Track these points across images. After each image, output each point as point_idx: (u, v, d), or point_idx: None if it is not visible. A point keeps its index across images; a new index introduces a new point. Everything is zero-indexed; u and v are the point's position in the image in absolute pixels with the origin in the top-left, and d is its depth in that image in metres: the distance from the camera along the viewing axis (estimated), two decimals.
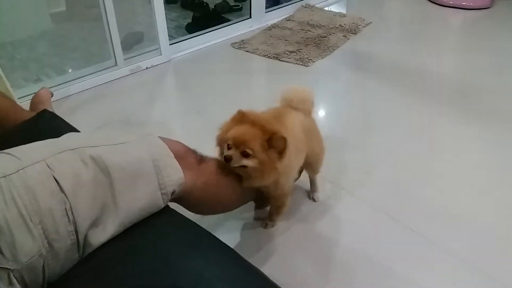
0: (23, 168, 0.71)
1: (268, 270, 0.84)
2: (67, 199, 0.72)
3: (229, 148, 1.03)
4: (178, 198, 0.93)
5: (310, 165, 1.34)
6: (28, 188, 0.70)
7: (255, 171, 1.03)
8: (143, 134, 0.91)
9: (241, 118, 1.06)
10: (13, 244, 0.66)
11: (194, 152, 1.01)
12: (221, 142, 1.07)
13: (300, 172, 1.36)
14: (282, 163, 1.04)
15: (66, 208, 0.72)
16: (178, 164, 0.89)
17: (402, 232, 1.31)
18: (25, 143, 0.79)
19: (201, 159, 1.01)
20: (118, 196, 0.78)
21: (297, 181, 1.39)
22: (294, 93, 1.26)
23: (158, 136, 0.93)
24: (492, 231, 1.32)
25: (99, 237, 0.77)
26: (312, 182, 1.43)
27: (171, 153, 0.89)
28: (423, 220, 1.35)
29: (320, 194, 1.43)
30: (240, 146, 1.01)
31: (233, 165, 1.02)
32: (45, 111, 1.20)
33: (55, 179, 0.72)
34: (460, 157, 1.65)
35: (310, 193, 1.44)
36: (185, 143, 1.01)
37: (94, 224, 0.76)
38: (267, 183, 1.09)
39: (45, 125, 1.09)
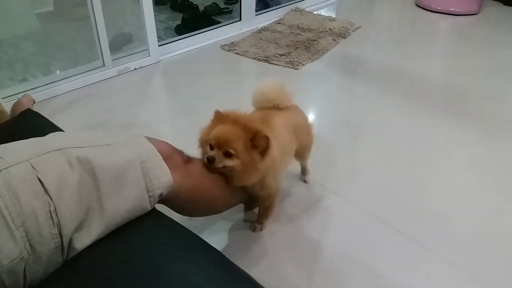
0: (6, 168, 0.69)
1: (257, 273, 0.82)
2: (52, 200, 0.70)
3: (211, 149, 1.01)
4: (165, 199, 0.91)
5: (300, 155, 1.36)
6: (10, 188, 0.67)
7: (238, 172, 1.02)
8: (131, 135, 0.89)
9: (219, 118, 1.05)
10: None
11: (180, 152, 0.99)
12: (203, 143, 1.05)
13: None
14: (264, 164, 1.02)
15: (50, 210, 0.69)
16: (166, 166, 0.87)
17: (392, 234, 1.31)
18: (7, 143, 0.77)
19: (187, 160, 0.99)
20: (104, 199, 0.76)
21: (283, 183, 1.38)
22: (260, 94, 1.23)
23: (145, 137, 0.91)
24: (483, 234, 1.32)
25: (83, 240, 0.74)
26: (303, 167, 1.48)
27: (160, 155, 0.87)
28: (413, 223, 1.35)
29: (310, 177, 1.49)
30: (223, 146, 1.00)
31: (216, 166, 1.00)
32: (28, 110, 1.17)
33: (39, 180, 0.70)
34: (450, 159, 1.66)
35: (301, 176, 1.50)
36: (173, 144, 0.99)
37: (79, 226, 0.74)
38: (251, 183, 1.07)
39: (28, 124, 1.06)
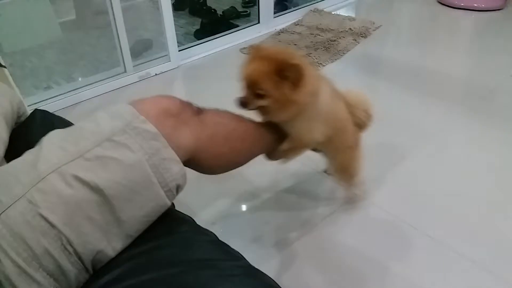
0: (3, 211, 0.64)
1: (285, 282, 0.81)
2: (61, 232, 0.65)
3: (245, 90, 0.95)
4: (185, 161, 0.82)
5: (329, 159, 1.28)
6: (15, 234, 0.63)
7: (273, 109, 0.95)
8: (127, 115, 0.77)
9: (253, 53, 0.96)
10: None
11: (189, 104, 0.88)
12: (240, 83, 0.97)
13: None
14: (301, 95, 0.93)
15: (63, 243, 0.65)
16: (174, 153, 0.77)
17: (420, 238, 1.27)
18: (17, 152, 0.74)
19: (199, 110, 0.89)
20: (119, 211, 0.71)
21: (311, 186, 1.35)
22: (359, 99, 1.18)
23: (138, 100, 0.80)
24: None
25: (107, 254, 0.71)
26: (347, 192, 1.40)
27: (164, 140, 0.76)
28: (441, 226, 1.31)
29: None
30: (252, 87, 0.93)
31: (250, 108, 0.95)
32: (36, 111, 1.10)
33: (42, 216, 0.65)
34: (477, 160, 1.61)
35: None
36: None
37: (99, 247, 0.70)
38: (289, 117, 0.99)
39: (37, 128, 1.03)
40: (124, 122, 0.75)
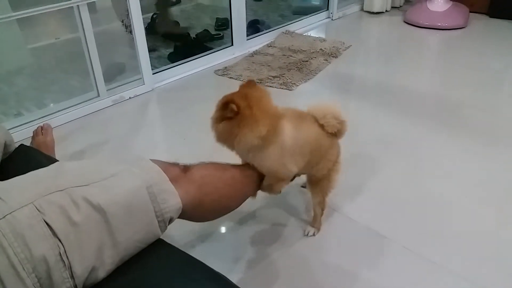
0: (10, 213, 0.67)
1: None
2: (61, 242, 0.68)
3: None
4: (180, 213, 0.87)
5: (311, 184, 1.28)
6: (18, 234, 0.65)
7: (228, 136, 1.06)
8: (134, 159, 0.87)
9: (246, 87, 1.09)
10: None
11: (175, 164, 0.96)
12: None
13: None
14: (230, 132, 1.04)
15: (60, 253, 0.67)
16: (174, 188, 0.85)
17: (397, 250, 1.29)
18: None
19: (185, 168, 0.96)
20: (116, 232, 0.74)
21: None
22: (328, 108, 1.19)
23: (150, 159, 0.89)
24: (487, 244, 1.31)
25: (98, 275, 0.73)
26: (314, 213, 1.34)
27: (166, 177, 0.85)
28: (417, 237, 1.33)
29: (314, 231, 1.35)
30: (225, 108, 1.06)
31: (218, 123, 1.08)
32: (21, 146, 1.16)
33: (46, 222, 0.68)
34: (446, 172, 1.66)
35: (305, 228, 1.37)
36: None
37: (93, 265, 0.71)
38: (237, 144, 1.06)
39: (23, 161, 1.05)
40: (129, 163, 0.85)
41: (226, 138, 1.07)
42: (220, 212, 1.08)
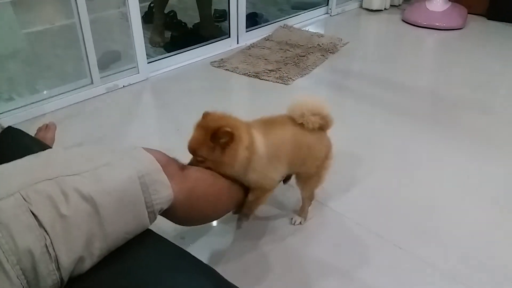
0: None
1: None
2: (47, 233, 0.66)
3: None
4: (164, 211, 0.87)
5: (299, 182, 1.28)
6: (2, 224, 0.63)
7: (215, 169, 1.06)
8: (127, 148, 0.86)
9: (200, 122, 1.08)
10: None
11: (175, 160, 0.97)
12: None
13: (287, 179, 1.34)
14: (229, 157, 1.04)
15: (46, 244, 0.65)
16: (167, 179, 0.84)
17: (388, 248, 1.29)
18: None
19: (183, 167, 0.98)
20: (106, 223, 0.72)
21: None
22: (294, 106, 1.18)
23: (143, 148, 0.88)
24: (478, 245, 1.31)
25: (84, 266, 0.71)
26: (302, 203, 1.35)
27: (159, 166, 0.84)
28: (408, 235, 1.33)
29: (301, 220, 1.36)
30: (195, 154, 1.06)
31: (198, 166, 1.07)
32: (9, 128, 1.13)
33: (32, 213, 0.66)
34: (440, 171, 1.66)
35: (293, 217, 1.37)
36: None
37: (80, 257, 0.70)
38: (228, 174, 1.08)
39: (11, 143, 1.02)
40: (122, 152, 0.84)
41: (232, 162, 1.06)
42: (203, 218, 1.10)
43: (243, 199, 1.16)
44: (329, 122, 1.20)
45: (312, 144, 1.20)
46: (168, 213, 0.89)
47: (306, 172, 1.24)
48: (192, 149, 1.06)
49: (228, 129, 1.02)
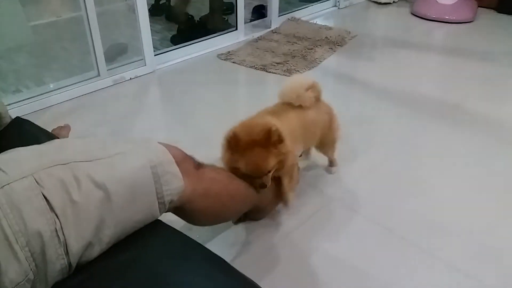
0: (8, 184, 0.64)
1: (266, 284, 0.79)
2: (57, 218, 0.66)
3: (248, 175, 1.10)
4: (176, 208, 0.86)
5: (322, 149, 1.49)
6: (14, 206, 0.63)
7: (281, 167, 1.13)
8: (141, 140, 0.85)
9: (235, 145, 1.08)
10: None
11: (191, 158, 0.95)
12: (232, 169, 1.10)
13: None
14: (286, 146, 1.10)
15: (56, 229, 0.65)
16: (179, 171, 0.83)
17: (396, 241, 1.28)
18: None
19: (199, 165, 0.96)
20: (117, 211, 0.72)
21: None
22: (288, 91, 1.28)
23: (160, 143, 0.87)
24: (486, 239, 1.29)
25: (93, 253, 0.71)
26: (329, 160, 1.56)
27: (172, 158, 0.83)
28: (416, 229, 1.32)
29: (335, 168, 1.56)
30: (263, 175, 1.09)
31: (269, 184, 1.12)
32: (17, 118, 1.13)
33: (44, 196, 0.65)
34: (445, 164, 1.64)
35: (327, 168, 1.57)
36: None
37: (89, 243, 0.69)
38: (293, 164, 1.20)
39: (20, 133, 1.02)
40: (136, 144, 0.84)
41: (289, 150, 1.12)
42: (215, 219, 1.09)
43: (256, 202, 1.18)
44: (319, 90, 1.32)
45: (316, 118, 1.33)
46: (180, 212, 0.89)
47: (321, 142, 1.41)
48: (260, 171, 1.08)
49: (273, 127, 1.06)
